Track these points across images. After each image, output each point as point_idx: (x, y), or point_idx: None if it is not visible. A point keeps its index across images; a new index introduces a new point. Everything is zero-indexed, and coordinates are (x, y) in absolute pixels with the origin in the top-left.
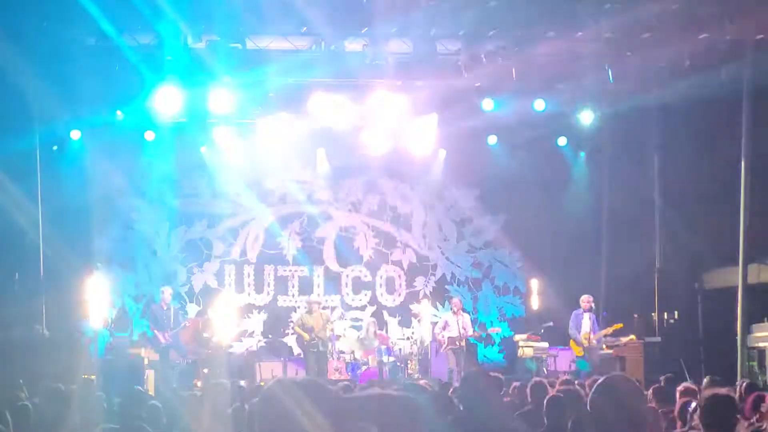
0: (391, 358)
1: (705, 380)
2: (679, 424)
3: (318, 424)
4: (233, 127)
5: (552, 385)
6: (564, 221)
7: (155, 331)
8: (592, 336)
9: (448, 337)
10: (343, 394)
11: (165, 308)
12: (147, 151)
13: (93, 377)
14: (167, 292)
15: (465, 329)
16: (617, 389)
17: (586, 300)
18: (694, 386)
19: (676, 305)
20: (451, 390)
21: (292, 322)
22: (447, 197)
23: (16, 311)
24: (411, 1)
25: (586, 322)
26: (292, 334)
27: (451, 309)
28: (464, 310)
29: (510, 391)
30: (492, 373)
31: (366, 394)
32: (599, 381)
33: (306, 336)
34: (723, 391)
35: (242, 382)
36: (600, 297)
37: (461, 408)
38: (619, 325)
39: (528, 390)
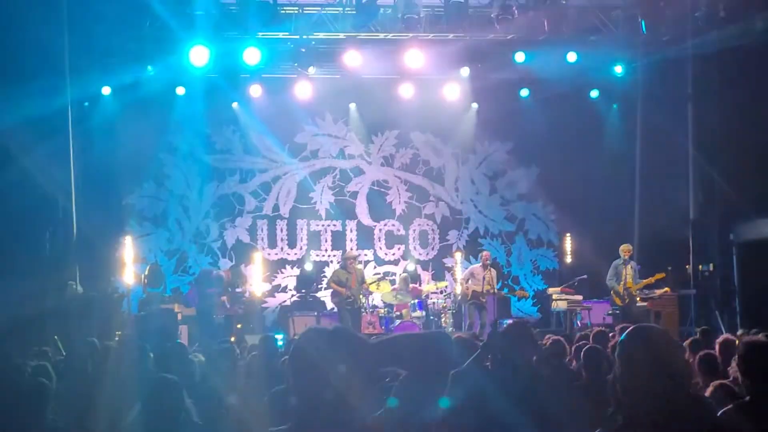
0: (424, 312)
1: (739, 333)
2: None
3: (348, 371)
4: (264, 82)
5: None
6: (597, 173)
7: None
8: (634, 285)
9: (472, 291)
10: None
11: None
12: (178, 106)
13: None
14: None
15: (490, 285)
16: (648, 339)
17: (626, 249)
18: (733, 337)
19: (711, 257)
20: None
21: (325, 277)
22: (479, 150)
23: (50, 268)
24: None
25: (628, 271)
26: (326, 289)
27: (480, 262)
28: (493, 266)
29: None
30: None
31: (393, 336)
32: (628, 330)
33: (342, 290)
34: (761, 338)
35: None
36: (634, 249)
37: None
38: (662, 275)
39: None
